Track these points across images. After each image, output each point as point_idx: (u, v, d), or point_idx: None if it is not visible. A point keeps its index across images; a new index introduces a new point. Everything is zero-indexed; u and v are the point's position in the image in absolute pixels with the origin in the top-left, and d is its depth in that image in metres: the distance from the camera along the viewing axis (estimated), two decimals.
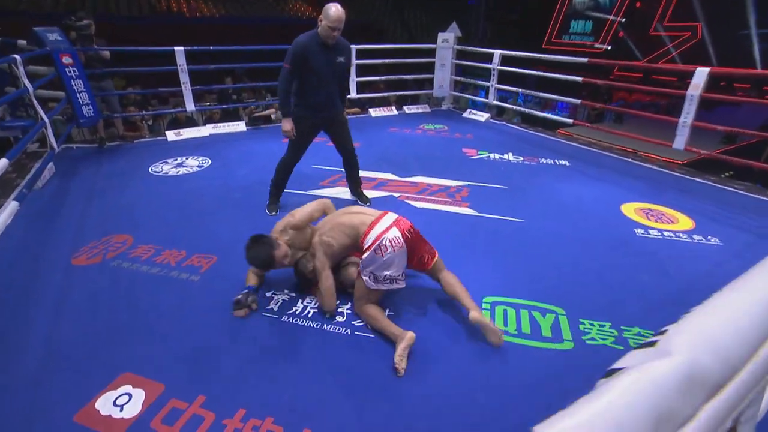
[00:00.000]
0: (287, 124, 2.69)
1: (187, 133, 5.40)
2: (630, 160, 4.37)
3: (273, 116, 6.33)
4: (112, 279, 2.15)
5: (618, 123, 7.91)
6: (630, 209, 3.05)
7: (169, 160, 4.31)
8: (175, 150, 4.74)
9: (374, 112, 6.89)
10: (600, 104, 6.49)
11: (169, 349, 1.68)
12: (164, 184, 3.62)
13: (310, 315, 1.88)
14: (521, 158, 4.34)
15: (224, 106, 5.99)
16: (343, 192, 3.31)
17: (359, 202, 3.07)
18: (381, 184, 3.56)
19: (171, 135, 5.29)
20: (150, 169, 4.04)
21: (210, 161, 4.28)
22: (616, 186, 3.54)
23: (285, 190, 3.03)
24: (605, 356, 1.65)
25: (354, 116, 6.73)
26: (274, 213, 2.89)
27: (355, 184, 3.12)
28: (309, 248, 1.92)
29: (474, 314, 1.69)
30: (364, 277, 1.78)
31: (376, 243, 1.73)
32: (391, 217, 1.84)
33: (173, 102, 6.55)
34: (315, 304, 1.95)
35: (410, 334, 1.65)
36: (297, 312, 1.90)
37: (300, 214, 1.96)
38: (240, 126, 5.72)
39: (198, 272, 2.21)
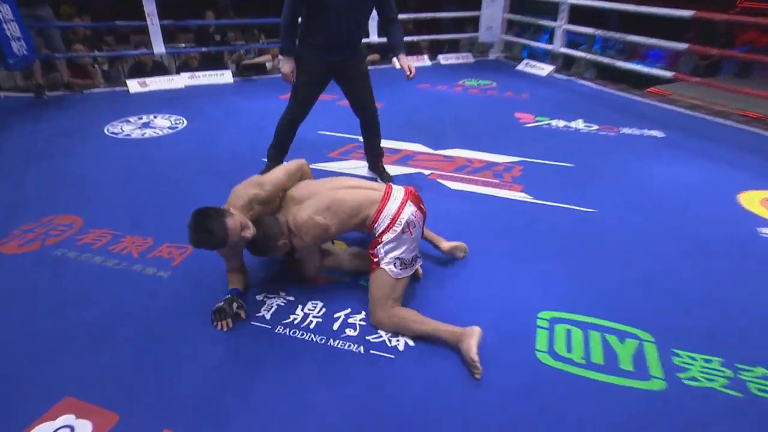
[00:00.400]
0: (287, 65, 2.67)
1: (156, 83, 5.43)
2: (756, 130, 4.14)
3: (268, 65, 6.30)
4: (53, 273, 2.17)
5: (742, 77, 7.45)
6: (753, 200, 2.91)
7: (131, 119, 4.36)
8: (140, 105, 4.80)
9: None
10: (717, 50, 5.96)
11: (126, 367, 1.68)
12: (125, 149, 3.66)
13: (312, 326, 1.87)
14: (595, 127, 4.25)
15: (204, 49, 5.99)
16: (359, 167, 3.32)
17: (380, 180, 3.08)
18: (407, 158, 3.56)
19: (134, 85, 5.33)
20: (106, 130, 4.09)
21: (185, 121, 4.34)
22: (733, 167, 3.39)
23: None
24: (712, 404, 1.58)
25: (371, 66, 6.67)
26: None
27: (375, 156, 3.13)
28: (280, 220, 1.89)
29: (445, 244, 2.16)
30: (386, 267, 1.83)
31: (398, 221, 1.83)
32: (400, 190, 1.93)
33: (135, 41, 6.54)
34: (319, 312, 1.94)
35: (477, 329, 1.73)
36: (295, 322, 1.89)
37: (270, 183, 1.92)
38: (225, 76, 5.73)
39: (168, 266, 2.22)
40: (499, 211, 2.77)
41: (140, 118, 4.37)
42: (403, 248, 1.84)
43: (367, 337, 1.83)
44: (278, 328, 1.86)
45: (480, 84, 5.80)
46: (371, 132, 3.08)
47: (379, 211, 1.85)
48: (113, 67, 6.34)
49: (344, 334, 1.84)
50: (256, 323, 1.88)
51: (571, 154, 3.61)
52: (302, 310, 1.96)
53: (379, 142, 3.11)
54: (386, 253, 1.84)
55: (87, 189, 2.98)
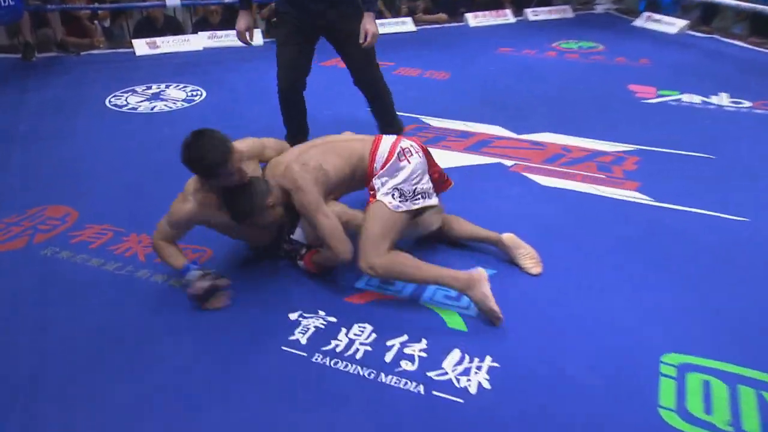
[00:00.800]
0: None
1: (168, 44, 5.70)
2: None
3: None
4: (40, 277, 2.28)
5: None
6: None
7: (138, 88, 4.59)
8: (148, 71, 5.05)
9: (474, 20, 6.79)
10: None
11: (125, 405, 1.75)
12: (129, 126, 3.85)
13: (359, 355, 1.89)
14: (746, 104, 4.09)
15: (228, 0, 6.14)
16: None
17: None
18: (481, 145, 3.57)
19: (141, 46, 5.61)
20: (107, 101, 4.32)
21: (203, 93, 4.52)
22: None
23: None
24: None
25: (438, 25, 6.74)
26: None
27: (386, 125, 3.26)
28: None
29: (508, 235, 2.32)
30: (384, 200, 2.08)
31: (395, 153, 2.12)
32: (391, 136, 2.23)
33: None
34: (368, 338, 1.96)
35: (483, 271, 2.03)
36: (338, 349, 1.92)
37: (246, 143, 2.19)
38: (254, 37, 5.91)
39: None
40: (606, 215, 2.72)
41: (149, 88, 4.59)
42: (402, 177, 2.09)
43: (429, 374, 1.82)
44: (316, 357, 1.89)
45: (581, 47, 5.69)
46: (377, 111, 3.23)
47: (374, 154, 2.13)
48: (116, 23, 6.69)
49: (399, 368, 1.85)
50: (288, 349, 1.92)
51: (709, 141, 3.50)
52: (346, 334, 1.98)
53: (394, 122, 3.27)
54: (383, 183, 2.09)
55: (83, 175, 3.15)
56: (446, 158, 3.32)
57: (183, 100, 4.34)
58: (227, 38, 5.86)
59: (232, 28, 5.83)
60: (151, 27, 6.02)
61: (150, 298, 2.18)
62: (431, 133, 3.74)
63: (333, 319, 2.05)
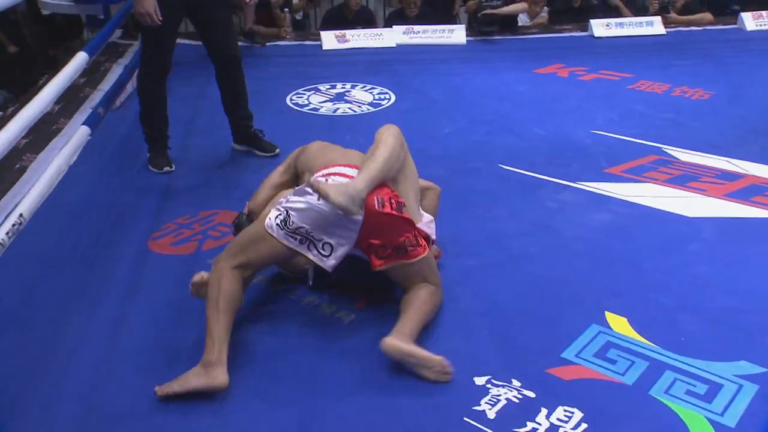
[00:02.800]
0: (147, 1, 3.05)
1: (358, 38, 6.06)
2: None
3: (522, 18, 6.50)
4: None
5: None
6: None
7: (321, 87, 4.93)
8: (334, 68, 5.40)
9: (753, 21, 6.31)
10: None
11: None
12: (309, 128, 4.12)
13: None
14: None
15: None
16: (660, 195, 3.25)
17: (259, 153, 3.71)
18: (752, 191, 3.30)
19: (329, 39, 6.06)
20: (288, 99, 4.69)
21: (392, 97, 4.73)
22: None
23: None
24: None
25: (698, 27, 6.38)
26: (165, 168, 3.49)
27: (242, 120, 3.58)
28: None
29: (390, 341, 2.00)
30: (270, 212, 2.15)
31: (318, 175, 2.21)
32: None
33: None
34: (576, 425, 1.85)
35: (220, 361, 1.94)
36: None
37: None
38: (455, 35, 6.15)
39: (351, 306, 2.39)
40: None
41: (333, 87, 4.91)
42: (302, 209, 2.08)
43: None
44: None
45: None
46: (233, 84, 3.52)
47: (327, 166, 2.27)
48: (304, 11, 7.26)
49: None
50: (471, 421, 1.87)
51: None
52: (548, 417, 1.90)
53: (245, 100, 3.61)
54: (284, 201, 2.15)
55: (259, 178, 3.40)
56: (696, 205, 3.11)
57: (369, 104, 4.55)
58: (425, 34, 6.08)
59: (430, 22, 6.17)
60: (342, 17, 6.45)
61: (311, 328, 2.27)
62: (677, 169, 3.51)
63: (530, 394, 1.97)
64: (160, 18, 3.11)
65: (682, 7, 6.78)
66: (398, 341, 2.01)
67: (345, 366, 2.11)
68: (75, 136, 2.83)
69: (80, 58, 2.88)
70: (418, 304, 2.18)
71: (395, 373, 2.06)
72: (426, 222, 2.36)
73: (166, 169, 3.49)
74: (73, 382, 2.00)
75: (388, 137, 2.24)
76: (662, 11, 6.61)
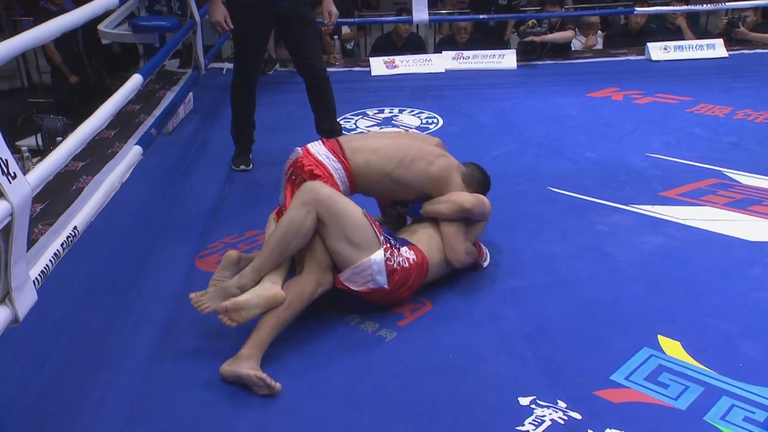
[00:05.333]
0: (217, 11, 3.51)
1: (407, 64, 6.14)
2: None
3: (576, 43, 6.49)
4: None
5: None
6: None
7: (369, 111, 5.01)
8: (383, 93, 5.47)
9: None
10: None
11: None
12: None
13: None
14: None
15: (483, 17, 6.43)
16: (720, 218, 3.20)
17: None
18: None
19: (378, 65, 6.16)
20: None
21: (440, 121, 4.77)
22: None
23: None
24: None
25: (763, 50, 6.22)
26: (242, 167, 3.84)
27: (329, 134, 3.48)
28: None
29: (222, 368, 2.10)
30: None
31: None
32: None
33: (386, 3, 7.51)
34: None
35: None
36: None
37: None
38: (505, 59, 6.19)
39: (394, 324, 2.41)
40: None
41: (380, 111, 4.98)
42: None
43: None
44: None
45: None
46: (321, 99, 3.74)
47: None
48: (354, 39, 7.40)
49: None
50: None
51: None
52: None
53: (334, 114, 3.83)
54: None
55: None
56: (758, 229, 3.04)
57: (416, 128, 4.59)
58: (474, 60, 6.12)
59: (480, 48, 6.19)
60: (391, 45, 6.56)
61: (354, 345, 2.30)
62: (739, 193, 3.43)
63: (577, 416, 1.95)
64: (231, 26, 3.55)
65: (753, 26, 6.66)
66: (227, 366, 2.09)
67: (386, 384, 2.13)
68: (128, 155, 2.92)
69: (135, 80, 2.99)
70: (272, 317, 2.19)
71: (438, 391, 2.07)
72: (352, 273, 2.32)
73: (242, 167, 3.84)
74: (119, 394, 2.07)
75: (289, 209, 2.32)
76: (731, 27, 6.50)
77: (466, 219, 2.58)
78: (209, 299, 2.23)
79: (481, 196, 2.64)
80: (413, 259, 2.40)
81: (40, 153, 4.72)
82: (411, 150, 2.58)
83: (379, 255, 2.28)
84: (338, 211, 2.28)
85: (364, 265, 2.27)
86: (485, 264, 2.71)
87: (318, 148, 2.53)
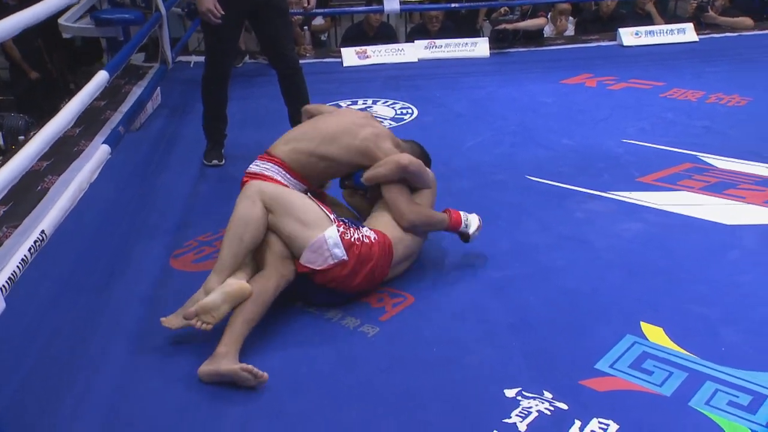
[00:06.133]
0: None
1: (379, 54, 6.14)
2: None
3: (547, 30, 6.51)
4: None
5: None
6: None
7: (342, 103, 4.96)
8: (355, 84, 5.46)
9: None
10: None
11: None
12: None
13: None
14: None
15: (452, 5, 6.47)
16: (697, 203, 3.23)
17: None
18: None
19: (350, 56, 6.15)
20: None
21: (415, 111, 4.76)
22: None
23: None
24: None
25: (733, 33, 6.33)
26: (215, 162, 3.81)
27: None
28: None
29: (200, 369, 2.08)
30: None
31: None
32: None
33: None
34: None
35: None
36: None
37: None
38: (478, 48, 6.21)
39: (375, 320, 2.40)
40: None
41: (354, 103, 4.95)
42: None
43: None
44: None
45: None
46: (295, 91, 3.73)
47: None
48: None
49: None
50: None
51: None
52: (581, 429, 1.87)
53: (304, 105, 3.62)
54: None
55: None
56: (735, 213, 3.07)
57: (391, 119, 4.58)
58: (447, 48, 6.12)
59: (452, 36, 6.20)
60: (362, 35, 6.52)
61: (335, 343, 2.29)
62: (714, 177, 3.47)
63: (563, 406, 1.95)
64: (222, 12, 3.43)
65: (721, 9, 6.74)
66: (205, 366, 2.08)
67: (371, 378, 2.12)
68: (96, 154, 2.87)
69: (101, 77, 2.93)
70: (241, 312, 2.20)
71: (423, 385, 2.07)
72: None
73: (215, 162, 3.82)
74: (96, 399, 2.03)
75: (236, 205, 2.36)
76: (700, 11, 6.57)
77: (408, 184, 2.63)
78: (177, 315, 2.24)
79: (420, 161, 2.66)
80: (374, 238, 2.42)
81: (2, 152, 4.63)
82: (336, 126, 2.69)
83: (332, 230, 2.32)
84: (282, 196, 2.37)
85: (320, 241, 2.30)
86: (471, 231, 2.64)
87: (252, 166, 2.63)
